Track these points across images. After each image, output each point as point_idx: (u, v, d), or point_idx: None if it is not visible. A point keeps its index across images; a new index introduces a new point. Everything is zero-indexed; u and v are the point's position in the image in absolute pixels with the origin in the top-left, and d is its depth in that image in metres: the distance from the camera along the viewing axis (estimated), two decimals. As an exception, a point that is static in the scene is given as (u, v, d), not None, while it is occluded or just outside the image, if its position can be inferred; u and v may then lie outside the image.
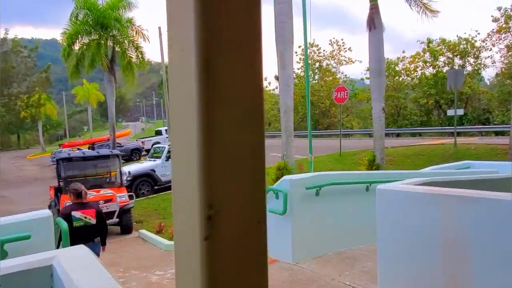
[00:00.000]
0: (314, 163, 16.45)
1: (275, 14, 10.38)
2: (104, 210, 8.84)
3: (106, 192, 9.25)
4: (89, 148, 25.99)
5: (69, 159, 9.87)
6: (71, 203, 5.01)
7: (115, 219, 8.99)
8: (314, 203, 4.66)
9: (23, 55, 24.62)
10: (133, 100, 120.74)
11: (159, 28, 25.96)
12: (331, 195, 4.75)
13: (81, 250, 1.96)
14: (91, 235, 4.86)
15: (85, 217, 4.83)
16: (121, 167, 10.33)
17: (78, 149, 27.15)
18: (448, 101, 28.63)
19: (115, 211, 8.96)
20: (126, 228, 9.37)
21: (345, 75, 37.06)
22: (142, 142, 29.31)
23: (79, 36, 22.67)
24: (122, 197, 9.33)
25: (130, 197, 9.68)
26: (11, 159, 40.57)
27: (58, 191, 9.70)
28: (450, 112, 20.19)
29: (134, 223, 10.98)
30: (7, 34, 24.56)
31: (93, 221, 4.87)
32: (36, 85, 25.60)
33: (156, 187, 14.69)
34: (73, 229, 4.59)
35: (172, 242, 7.99)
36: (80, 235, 4.65)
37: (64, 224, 3.84)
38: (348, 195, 4.93)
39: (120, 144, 27.50)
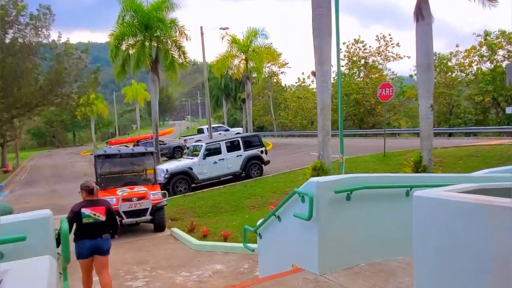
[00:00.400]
0: (355, 163, 15.75)
1: (313, 7, 9.88)
2: (137, 207, 8.88)
3: (139, 189, 9.28)
4: (133, 146, 26.83)
5: (105, 157, 10.05)
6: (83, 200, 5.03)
7: (148, 216, 9.00)
8: (344, 208, 4.18)
9: (75, 57, 25.86)
10: (179, 99, 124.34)
11: (201, 28, 26.19)
12: (365, 199, 4.24)
13: (41, 263, 1.71)
14: (100, 231, 4.90)
15: (94, 214, 4.86)
16: (156, 165, 10.36)
17: (126, 146, 28.20)
18: (507, 98, 26.31)
19: (148, 208, 8.96)
20: (158, 226, 9.35)
21: (393, 72, 35.34)
22: (185, 140, 29.80)
23: (125, 37, 23.41)
24: (155, 194, 9.32)
25: (163, 195, 9.65)
26: (66, 155, 43.19)
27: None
28: (509, 110, 18.45)
29: (169, 221, 11.00)
30: (60, 37, 25.86)
31: (103, 218, 4.91)
32: (86, 85, 26.81)
33: (193, 185, 14.72)
34: (82, 225, 4.77)
35: (201, 242, 7.82)
36: (89, 231, 4.81)
37: (64, 224, 3.70)
38: (385, 200, 4.40)
39: (163, 142, 28.14)
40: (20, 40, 24.00)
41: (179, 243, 8.23)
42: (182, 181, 14.41)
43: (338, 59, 11.20)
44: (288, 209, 4.38)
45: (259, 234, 5.19)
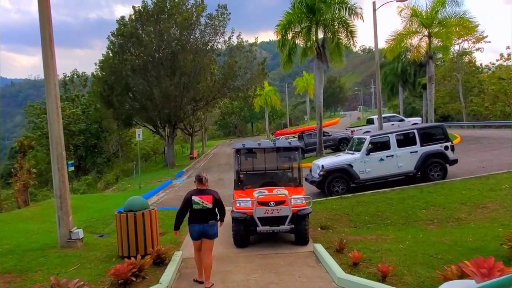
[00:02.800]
0: None
1: None
2: (274, 214, 7.34)
3: (279, 192, 7.73)
4: (298, 138, 26.05)
5: (244, 151, 8.90)
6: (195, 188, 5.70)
7: (286, 226, 7.36)
8: None
9: (245, 50, 26.83)
10: (352, 89, 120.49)
11: (373, 3, 22.95)
12: None
13: None
14: (206, 217, 5.54)
15: (202, 202, 5.50)
16: (300, 163, 8.60)
17: (293, 137, 27.75)
18: None
19: (287, 216, 7.32)
20: (300, 238, 7.60)
21: None
22: (351, 131, 27.32)
23: (291, 25, 22.58)
24: (297, 199, 7.60)
25: (308, 200, 7.81)
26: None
27: (234, 184, 8.91)
28: None
29: (318, 229, 9.15)
30: (233, 33, 27.15)
31: (210, 205, 5.53)
32: (255, 77, 27.52)
33: (352, 185, 12.44)
34: (192, 211, 5.53)
35: (349, 276, 5.65)
36: (198, 216, 5.52)
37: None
38: None
39: (328, 133, 26.39)
40: (200, 39, 26.27)
41: (320, 269, 6.29)
42: (339, 180, 12.32)
43: None
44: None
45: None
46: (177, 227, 5.78)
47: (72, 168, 17.07)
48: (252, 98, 30.77)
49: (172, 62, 25.05)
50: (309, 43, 21.59)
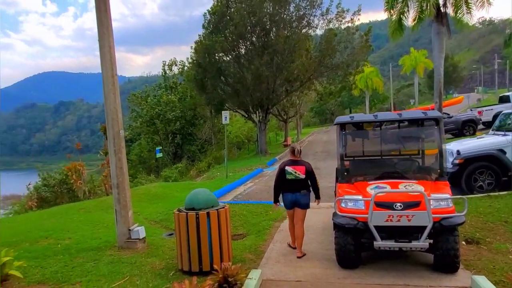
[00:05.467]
0: None
1: None
2: (402, 222, 4.64)
3: (409, 188, 5.00)
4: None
5: (353, 127, 6.26)
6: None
7: (422, 242, 4.64)
8: None
9: (345, 21, 23.54)
10: (468, 68, 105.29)
11: None
12: None
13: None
14: (299, 187, 5.66)
15: (295, 172, 5.63)
16: (443, 143, 5.59)
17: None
18: None
19: (425, 226, 4.59)
20: (444, 263, 4.79)
21: None
22: (479, 112, 22.20)
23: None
24: (440, 201, 4.79)
25: (454, 201, 4.90)
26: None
27: (337, 172, 6.39)
28: None
29: (463, 242, 6.14)
30: (332, 2, 23.93)
31: (302, 176, 5.63)
32: (356, 51, 24.06)
33: (504, 178, 8.85)
34: (286, 181, 5.70)
35: None
36: (290, 186, 5.69)
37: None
38: None
39: (449, 114, 21.72)
40: (295, 13, 23.80)
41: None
42: (484, 172, 8.86)
43: None
44: None
45: None
46: (275, 199, 5.92)
47: (160, 155, 16.60)
48: (354, 75, 27.17)
49: (264, 40, 23.12)
50: (425, 2, 17.46)
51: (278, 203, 5.95)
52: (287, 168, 5.68)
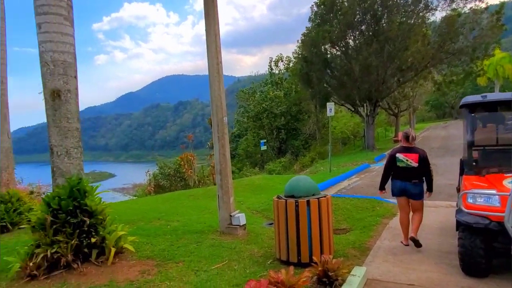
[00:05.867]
0: None
1: None
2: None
3: None
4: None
5: (483, 109, 5.20)
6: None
7: None
8: None
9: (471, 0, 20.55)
10: None
11: None
12: None
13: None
14: (410, 176, 5.23)
15: (407, 160, 5.21)
16: None
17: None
18: None
19: None
20: None
21: None
22: None
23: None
24: None
25: None
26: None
27: (462, 164, 5.43)
28: None
29: None
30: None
31: (414, 164, 5.16)
32: (485, 33, 20.84)
33: None
34: (396, 168, 5.34)
35: None
36: (401, 174, 5.31)
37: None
38: None
39: None
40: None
41: None
42: None
43: None
44: None
45: None
46: (382, 186, 5.68)
47: (264, 147, 16.81)
48: (482, 60, 23.61)
49: (374, 29, 21.65)
50: None
51: (384, 191, 5.68)
52: (398, 155, 5.32)
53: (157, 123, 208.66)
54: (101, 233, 5.02)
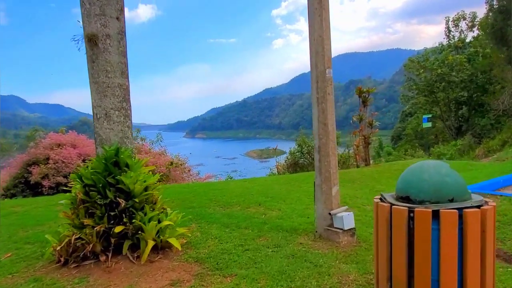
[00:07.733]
0: None
1: None
2: None
3: None
4: None
5: None
6: None
7: None
8: None
9: None
10: None
11: None
12: None
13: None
14: None
15: None
16: None
17: None
18: None
19: None
20: None
21: None
22: None
23: None
24: None
25: None
26: None
27: None
28: None
29: None
30: None
31: None
32: None
33: None
34: None
35: None
36: None
37: None
38: None
39: None
40: None
41: None
42: None
43: None
44: None
45: None
46: None
47: (428, 124, 13.15)
48: None
49: None
50: None
51: None
52: None
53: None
54: (134, 220, 3.85)
